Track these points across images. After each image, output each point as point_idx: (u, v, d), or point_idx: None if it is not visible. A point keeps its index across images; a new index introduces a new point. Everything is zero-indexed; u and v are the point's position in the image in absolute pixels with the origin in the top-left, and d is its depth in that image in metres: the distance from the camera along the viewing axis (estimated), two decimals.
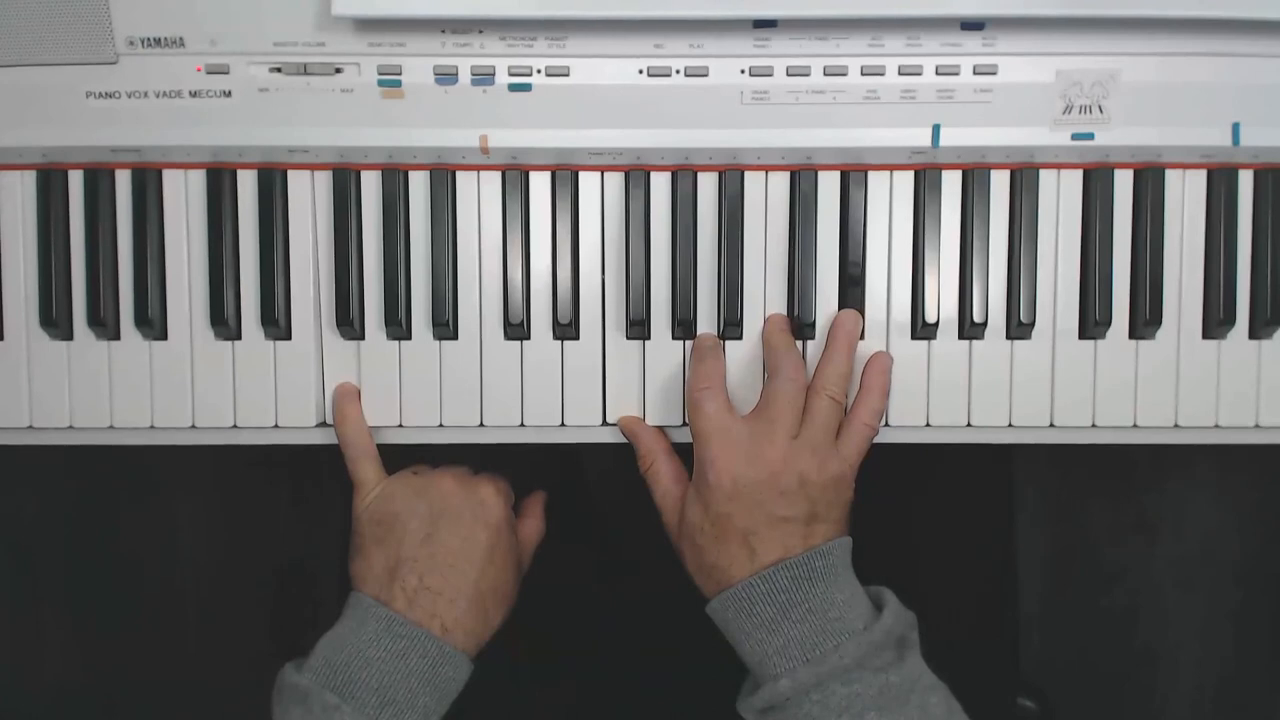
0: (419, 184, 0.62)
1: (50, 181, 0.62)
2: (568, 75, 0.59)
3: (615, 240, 0.63)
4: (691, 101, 0.60)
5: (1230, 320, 0.62)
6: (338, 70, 0.59)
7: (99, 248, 0.62)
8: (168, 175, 0.62)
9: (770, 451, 0.57)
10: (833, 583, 0.55)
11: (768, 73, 0.59)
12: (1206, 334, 0.63)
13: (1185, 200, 0.62)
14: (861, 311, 0.62)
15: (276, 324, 0.62)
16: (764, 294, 0.63)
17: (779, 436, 0.57)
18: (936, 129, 0.60)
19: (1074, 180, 0.62)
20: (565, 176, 0.62)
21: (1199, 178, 0.62)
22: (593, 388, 0.63)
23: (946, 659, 0.56)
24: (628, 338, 0.63)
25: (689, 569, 0.59)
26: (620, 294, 0.63)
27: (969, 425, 0.63)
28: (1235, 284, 0.62)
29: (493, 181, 0.62)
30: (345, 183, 0.62)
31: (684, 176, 0.62)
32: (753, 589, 0.55)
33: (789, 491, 0.56)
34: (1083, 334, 0.63)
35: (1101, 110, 0.60)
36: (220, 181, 0.62)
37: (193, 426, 0.63)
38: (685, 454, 0.61)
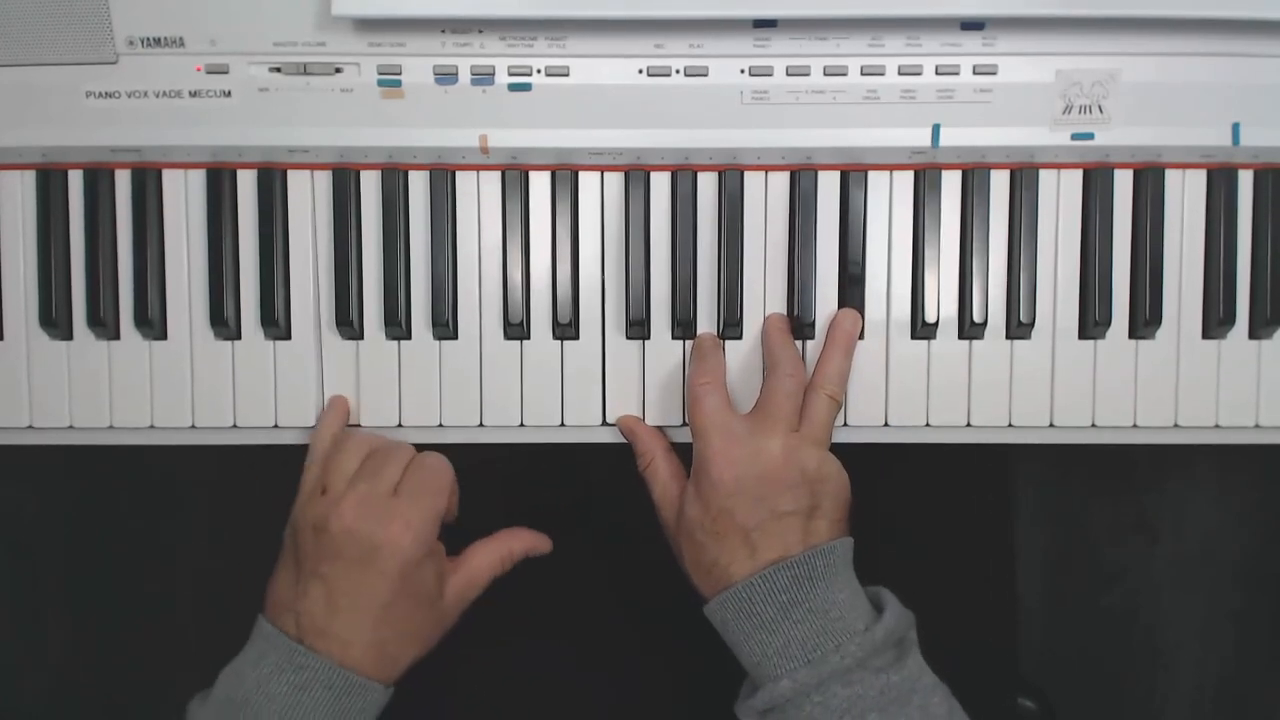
0: (419, 184, 0.62)
1: (50, 181, 0.62)
2: (568, 75, 0.59)
3: (615, 240, 0.63)
4: (691, 101, 0.60)
5: (1230, 320, 0.62)
6: (338, 70, 0.59)
7: (99, 248, 0.62)
8: (168, 175, 0.62)
9: (771, 446, 0.56)
10: (833, 583, 0.55)
11: (768, 73, 0.59)
12: (1206, 334, 0.63)
13: (1185, 200, 0.62)
14: (861, 311, 0.62)
15: (276, 324, 0.62)
16: (764, 294, 0.63)
17: (779, 431, 0.57)
18: (936, 129, 0.60)
19: (1074, 180, 0.62)
20: (565, 176, 0.62)
21: (1199, 178, 0.62)
22: (592, 388, 0.63)
23: (946, 659, 0.56)
24: (627, 338, 0.63)
25: (687, 568, 0.59)
26: (620, 294, 0.63)
27: (969, 425, 0.63)
28: (1235, 284, 0.62)
29: (493, 181, 0.62)
30: (345, 183, 0.62)
31: (684, 176, 0.62)
32: (753, 589, 0.54)
33: (790, 486, 0.56)
34: (1083, 334, 0.62)
35: (1101, 110, 0.60)
36: (220, 181, 0.62)
37: (193, 426, 0.63)
38: (684, 454, 0.61)
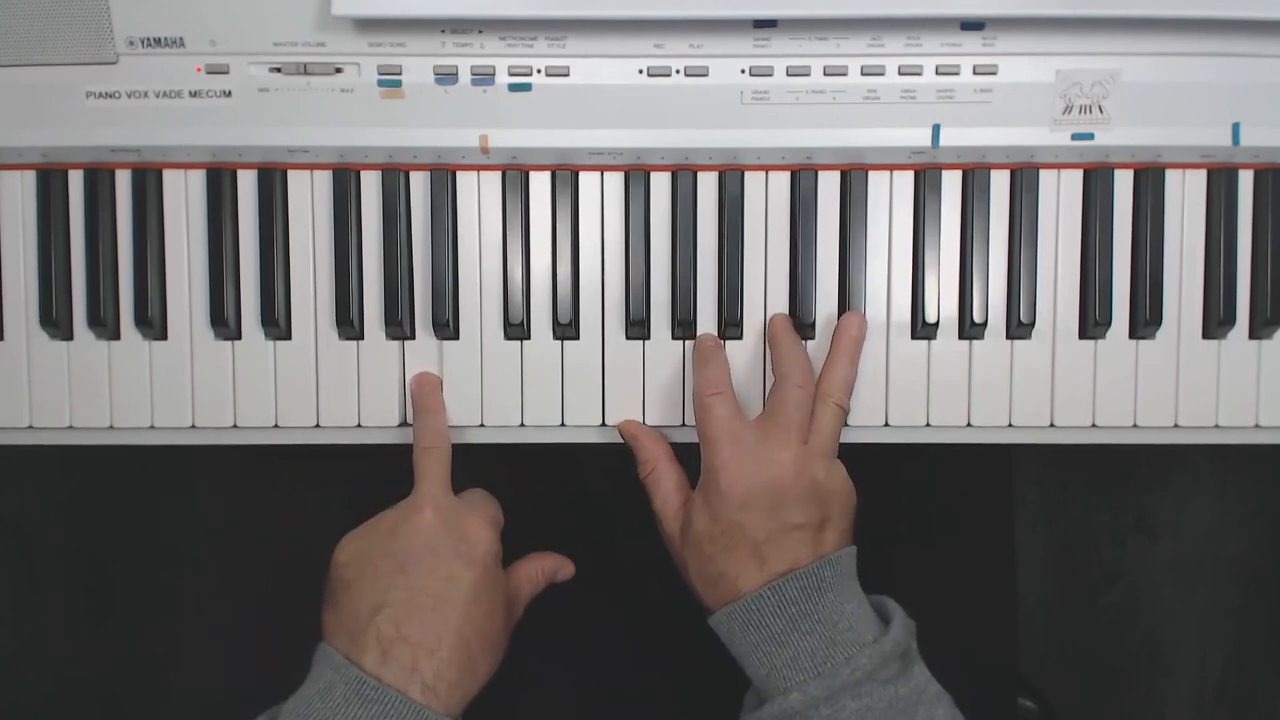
0: (419, 184, 0.62)
1: (50, 181, 0.62)
2: (568, 75, 0.59)
3: (615, 240, 0.63)
4: (691, 101, 0.60)
5: (1230, 320, 0.62)
6: (338, 70, 0.59)
7: (99, 248, 0.62)
8: (168, 175, 0.62)
9: (783, 459, 0.56)
10: (841, 592, 0.54)
11: (768, 73, 0.59)
12: (1206, 334, 0.63)
13: (1185, 200, 0.62)
14: (861, 312, 0.62)
15: (276, 324, 0.62)
16: (764, 294, 0.63)
17: (791, 444, 0.56)
18: (936, 129, 0.60)
19: (1074, 180, 0.62)
20: (565, 176, 0.62)
21: (1199, 178, 0.62)
22: (593, 388, 0.63)
23: (946, 659, 0.56)
24: (628, 338, 0.63)
25: (691, 578, 0.58)
26: (620, 294, 0.63)
27: (969, 425, 0.63)
28: (1235, 284, 0.62)
29: (493, 181, 0.62)
30: (345, 183, 0.62)
31: (684, 176, 0.62)
32: (761, 601, 0.54)
33: (801, 499, 0.55)
34: (1083, 334, 0.63)
35: (1101, 110, 0.60)
36: (220, 181, 0.62)
37: (192, 426, 0.63)
38: (684, 456, 0.61)
